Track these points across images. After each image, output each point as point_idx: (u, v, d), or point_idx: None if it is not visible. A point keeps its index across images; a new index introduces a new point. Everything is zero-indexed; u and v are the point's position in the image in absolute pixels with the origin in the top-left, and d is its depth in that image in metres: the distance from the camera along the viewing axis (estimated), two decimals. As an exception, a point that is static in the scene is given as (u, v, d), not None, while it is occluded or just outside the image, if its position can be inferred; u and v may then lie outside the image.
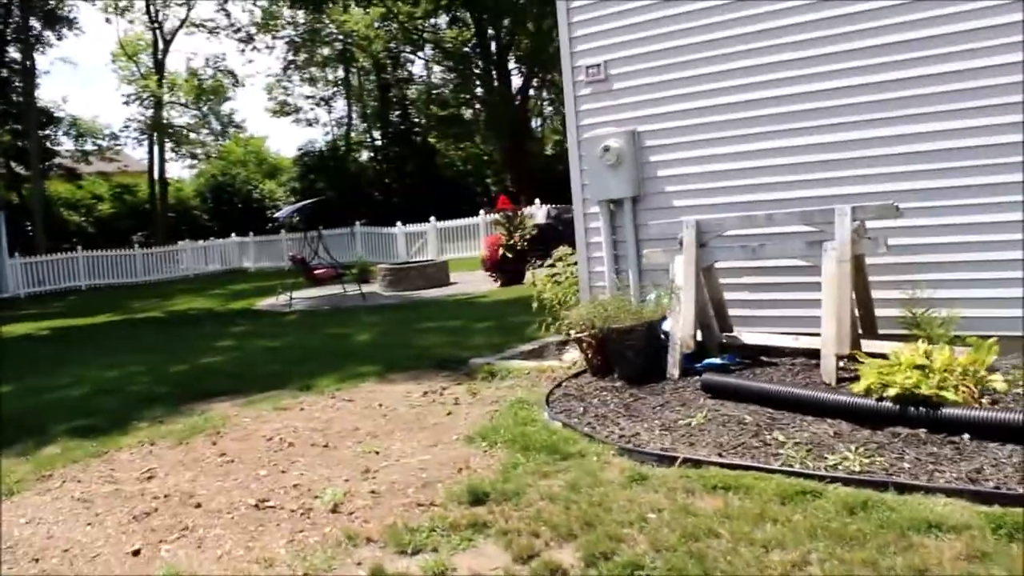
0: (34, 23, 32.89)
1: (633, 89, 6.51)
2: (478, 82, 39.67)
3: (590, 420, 5.23)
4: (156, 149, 36.11)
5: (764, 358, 5.97)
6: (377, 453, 5.21)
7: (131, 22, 39.12)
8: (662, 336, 5.99)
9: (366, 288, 16.97)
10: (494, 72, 38.49)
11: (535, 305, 7.69)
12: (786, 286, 5.96)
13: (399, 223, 27.39)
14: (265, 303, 17.48)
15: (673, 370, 5.78)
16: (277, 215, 17.80)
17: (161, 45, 36.87)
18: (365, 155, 47.22)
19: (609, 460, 4.56)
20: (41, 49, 33.74)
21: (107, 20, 38.01)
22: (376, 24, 39.76)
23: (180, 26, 37.19)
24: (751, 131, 6.03)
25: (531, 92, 41.28)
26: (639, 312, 5.89)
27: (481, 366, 7.33)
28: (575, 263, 7.33)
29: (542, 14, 34.58)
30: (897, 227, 5.45)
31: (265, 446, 5.65)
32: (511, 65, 40.48)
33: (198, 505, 4.57)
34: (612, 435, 4.88)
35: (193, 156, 46.21)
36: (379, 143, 46.04)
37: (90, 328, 16.13)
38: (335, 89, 46.02)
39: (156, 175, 36.04)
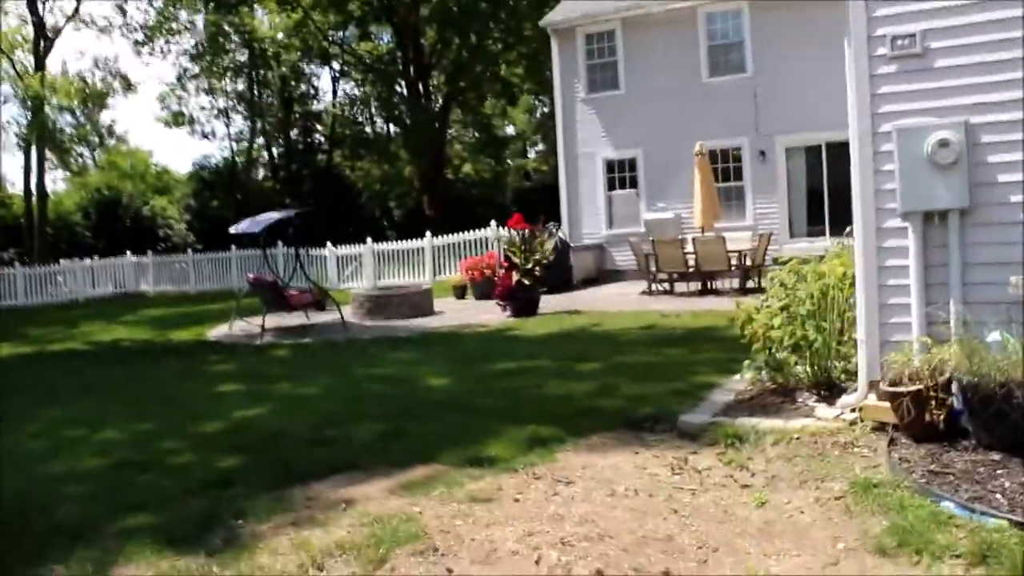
0: None
1: (965, 68, 4.80)
2: (398, 100, 37.40)
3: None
4: (36, 158, 31.82)
5: None
6: (778, 589, 3.29)
7: (5, 13, 34.57)
8: None
9: (335, 316, 14.49)
10: (418, 88, 36.40)
11: (757, 345, 5.94)
12: None
13: (329, 244, 24.96)
14: (218, 332, 14.76)
15: (1090, 440, 4.13)
16: (236, 228, 14.89)
17: (43, 43, 32.74)
18: (262, 172, 44.05)
19: None
20: None
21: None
22: (286, 34, 37.02)
23: (68, 20, 33.20)
24: None
25: (450, 115, 39.42)
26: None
27: (705, 427, 5.45)
28: (829, 289, 5.62)
29: (481, 28, 32.97)
30: None
31: (539, 574, 3.59)
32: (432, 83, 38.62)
33: None
34: None
35: (68, 168, 41.66)
36: (279, 160, 42.97)
37: None
38: (232, 103, 42.61)
39: (35, 187, 31.75)
